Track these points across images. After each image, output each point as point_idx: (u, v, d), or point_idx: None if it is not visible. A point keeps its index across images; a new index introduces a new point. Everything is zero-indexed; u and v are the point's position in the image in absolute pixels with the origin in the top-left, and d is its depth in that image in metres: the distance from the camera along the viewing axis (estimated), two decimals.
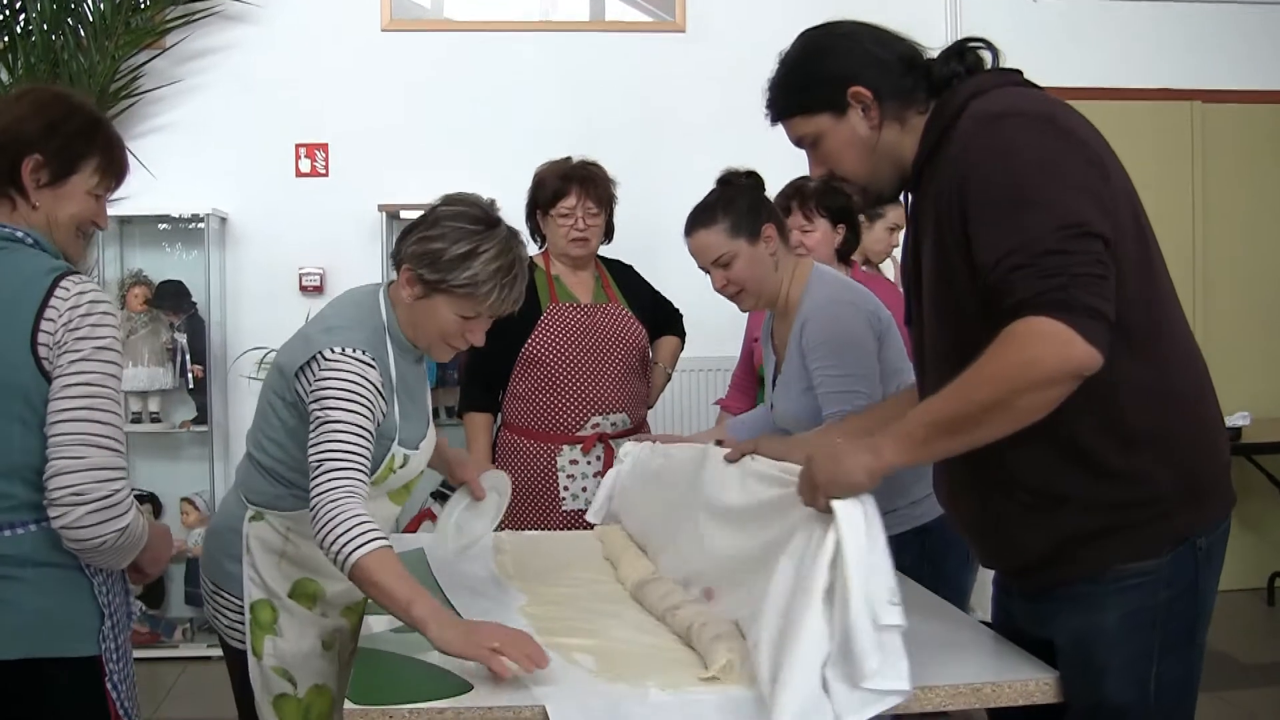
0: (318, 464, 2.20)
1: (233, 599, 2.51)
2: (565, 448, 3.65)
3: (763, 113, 2.18)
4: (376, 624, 2.34)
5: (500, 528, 3.65)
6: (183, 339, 5.38)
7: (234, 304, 5.60)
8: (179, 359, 5.36)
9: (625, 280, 3.93)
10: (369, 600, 2.44)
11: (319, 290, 5.53)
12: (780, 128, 2.18)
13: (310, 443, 2.24)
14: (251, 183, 5.60)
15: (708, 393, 5.39)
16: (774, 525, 2.12)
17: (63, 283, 2.06)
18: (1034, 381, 1.76)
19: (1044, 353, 1.75)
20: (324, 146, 5.63)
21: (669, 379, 4.01)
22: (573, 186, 3.72)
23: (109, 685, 2.11)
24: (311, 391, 2.29)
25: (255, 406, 2.56)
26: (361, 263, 5.50)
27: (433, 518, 4.73)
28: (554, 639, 2.21)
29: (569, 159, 3.82)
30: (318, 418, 2.25)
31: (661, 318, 4.00)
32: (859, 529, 1.83)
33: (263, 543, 2.50)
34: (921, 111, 2.07)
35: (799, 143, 2.17)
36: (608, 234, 3.86)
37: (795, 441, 2.55)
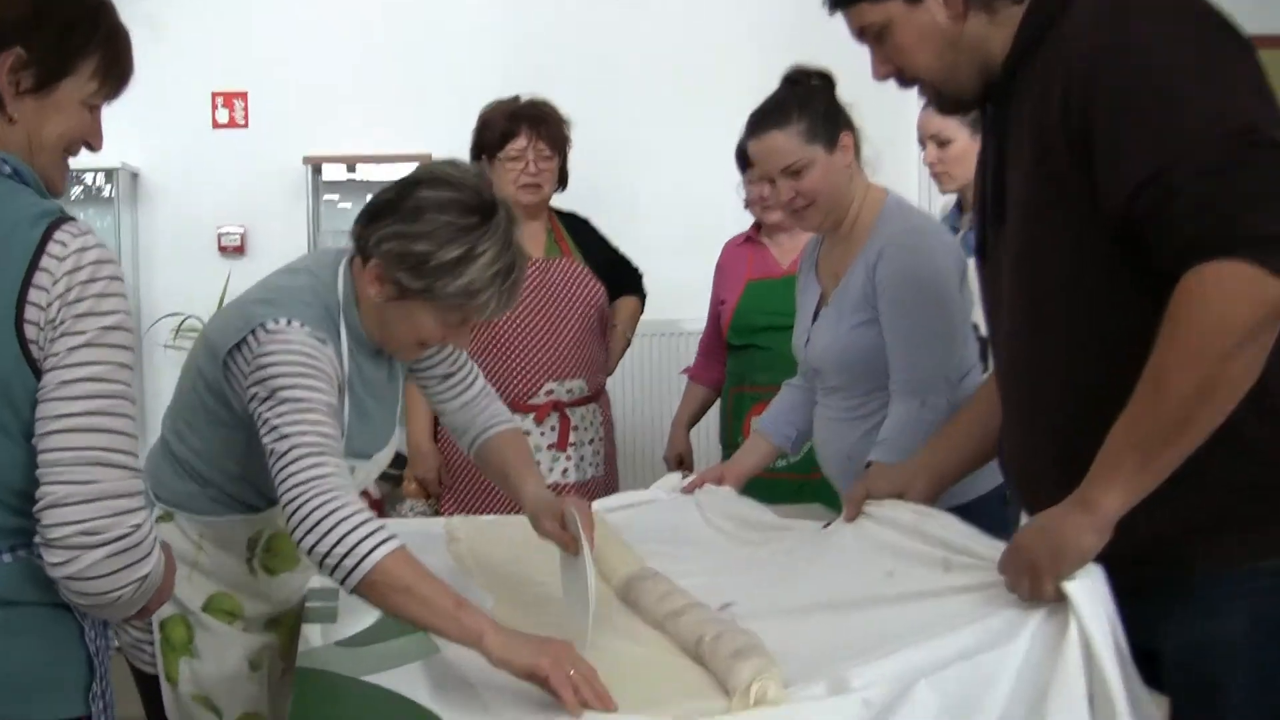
0: (286, 450, 1.80)
1: (139, 621, 2.12)
2: (517, 416, 3.26)
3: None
4: (315, 635, 1.97)
5: (449, 512, 3.35)
6: None
7: (147, 267, 5.22)
8: None
9: (580, 234, 3.60)
10: (301, 610, 2.12)
11: (239, 251, 5.16)
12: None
13: (266, 429, 1.84)
14: (165, 135, 5.19)
15: (671, 360, 5.04)
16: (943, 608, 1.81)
17: (57, 235, 1.50)
18: (1236, 341, 1.45)
19: (1233, 305, 1.44)
20: (243, 95, 5.24)
21: (628, 344, 3.69)
22: (522, 127, 3.37)
23: None
24: (253, 373, 1.90)
25: (175, 382, 2.18)
26: (285, 220, 5.15)
27: (365, 495, 4.33)
28: None
29: (517, 98, 3.46)
30: (275, 397, 1.86)
31: (620, 277, 3.67)
32: (1104, 615, 1.58)
33: (170, 549, 2.10)
34: (1018, 0, 1.72)
35: (860, 35, 1.82)
36: (561, 181, 3.51)
37: (911, 471, 2.21)
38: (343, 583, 1.73)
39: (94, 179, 5.17)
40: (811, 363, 2.72)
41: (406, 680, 1.76)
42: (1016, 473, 1.93)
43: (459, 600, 1.73)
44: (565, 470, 3.32)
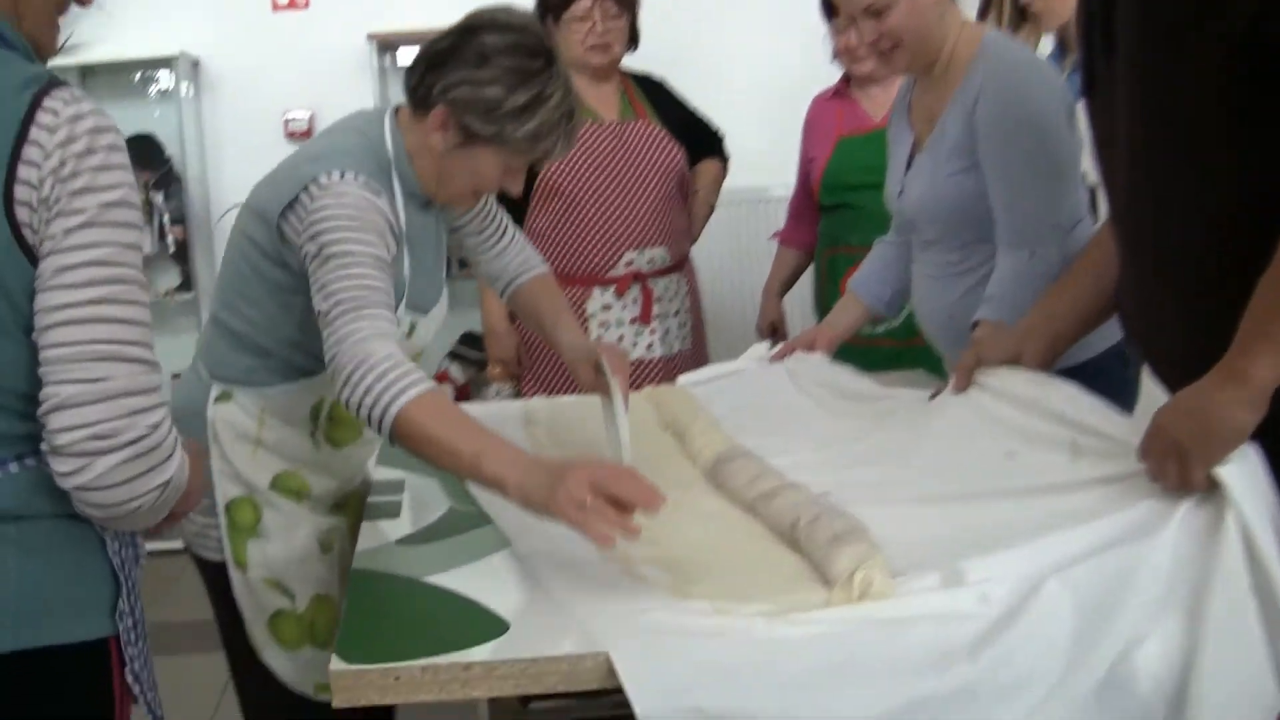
0: (332, 306, 1.74)
1: (205, 504, 2.01)
2: (596, 291, 3.13)
3: None
4: (375, 533, 1.81)
5: (530, 394, 3.19)
6: (159, 199, 4.90)
7: (214, 157, 5.05)
8: (156, 221, 4.89)
9: (655, 96, 3.36)
10: (367, 497, 2.01)
11: (307, 136, 4.96)
12: None
13: (316, 286, 1.80)
14: (224, 20, 4.99)
15: (759, 227, 4.78)
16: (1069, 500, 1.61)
17: (46, 102, 1.30)
18: None
19: None
20: None
21: (712, 210, 3.46)
22: None
23: (129, 676, 1.43)
24: (307, 229, 1.84)
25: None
26: (353, 102, 4.82)
27: (449, 381, 4.21)
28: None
29: None
30: (323, 254, 1.81)
31: (699, 139, 3.43)
32: (1264, 501, 1.40)
33: (232, 429, 2.04)
34: None
35: None
36: (632, 41, 3.27)
37: (1023, 332, 2.00)
38: (379, 433, 1.67)
39: (153, 69, 5.01)
40: (906, 215, 2.51)
41: (472, 580, 1.59)
42: (1138, 328, 1.73)
43: (482, 448, 1.61)
44: (650, 345, 3.13)
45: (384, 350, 1.67)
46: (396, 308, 1.88)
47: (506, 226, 2.33)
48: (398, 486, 2.05)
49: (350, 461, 2.15)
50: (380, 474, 2.16)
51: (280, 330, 1.99)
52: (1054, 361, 1.95)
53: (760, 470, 1.85)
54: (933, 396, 2.09)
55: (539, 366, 3.19)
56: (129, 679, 1.42)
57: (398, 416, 1.62)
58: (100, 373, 1.27)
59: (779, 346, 2.63)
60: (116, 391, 1.28)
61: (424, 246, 2.09)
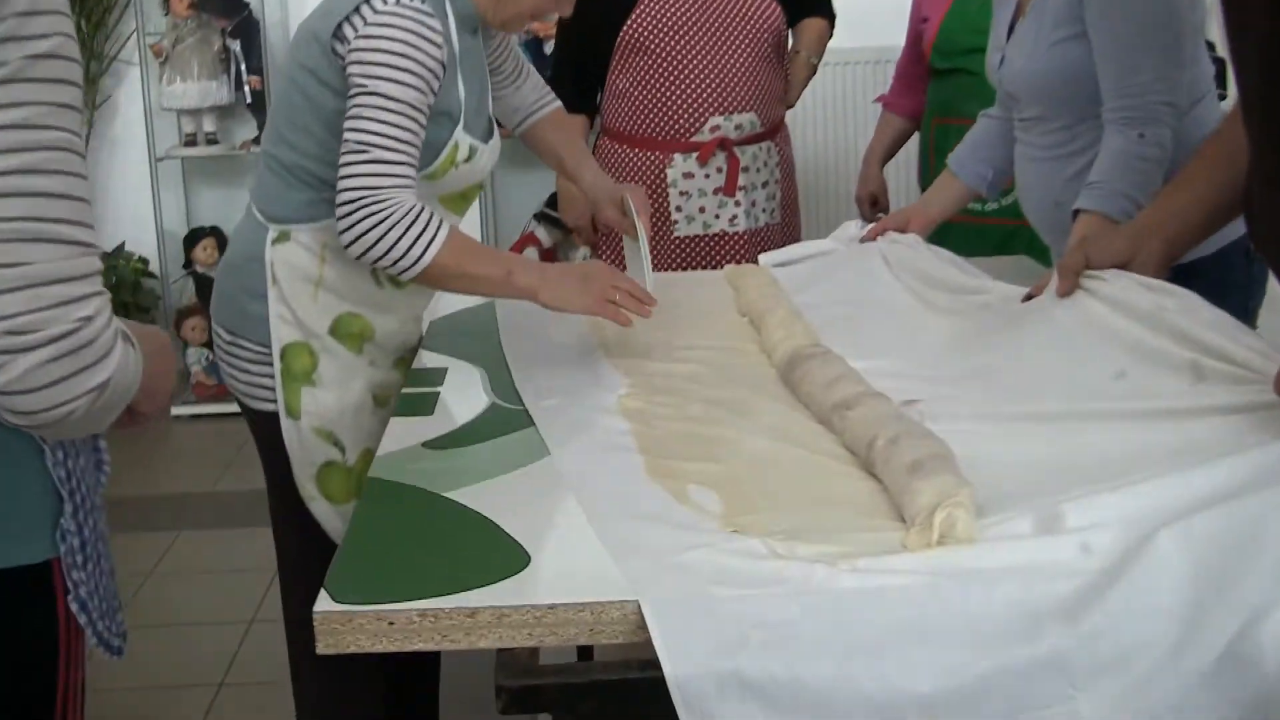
0: (354, 144, 1.80)
1: (256, 348, 2.01)
2: (678, 157, 2.88)
3: None
4: (399, 434, 1.64)
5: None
6: (236, 46, 4.69)
7: (294, 4, 4.75)
8: (233, 70, 4.69)
9: None
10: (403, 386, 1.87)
11: None
12: None
13: (350, 114, 1.82)
14: None
15: (865, 91, 4.48)
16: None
17: None
18: None
19: None
20: None
21: (814, 71, 3.18)
22: None
23: (72, 603, 1.24)
24: (351, 51, 1.83)
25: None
26: None
27: (535, 243, 4.01)
28: (660, 460, 1.48)
29: None
30: (358, 85, 1.82)
31: None
32: None
33: (292, 269, 1.98)
34: None
35: None
36: None
37: (1137, 231, 1.76)
38: (404, 275, 1.81)
39: None
40: (1006, 87, 2.26)
41: (499, 497, 1.41)
42: (1265, 234, 1.47)
43: (510, 267, 1.87)
44: (734, 218, 2.89)
45: (406, 199, 1.78)
46: (454, 130, 1.94)
47: (525, 65, 2.32)
48: (437, 376, 1.88)
49: (414, 302, 2.09)
50: (423, 359, 1.98)
51: (336, 156, 1.87)
52: (1170, 265, 1.72)
53: (839, 373, 1.64)
54: (1028, 297, 1.86)
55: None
56: (73, 606, 1.23)
57: (428, 268, 1.79)
58: (18, 256, 1.05)
59: (869, 227, 2.40)
60: (38, 278, 1.06)
61: (473, 74, 2.01)
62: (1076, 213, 2.00)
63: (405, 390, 1.85)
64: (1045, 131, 2.19)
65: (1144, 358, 1.52)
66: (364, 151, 1.78)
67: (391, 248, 1.77)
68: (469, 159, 1.98)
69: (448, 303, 2.27)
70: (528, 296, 1.85)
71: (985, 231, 2.94)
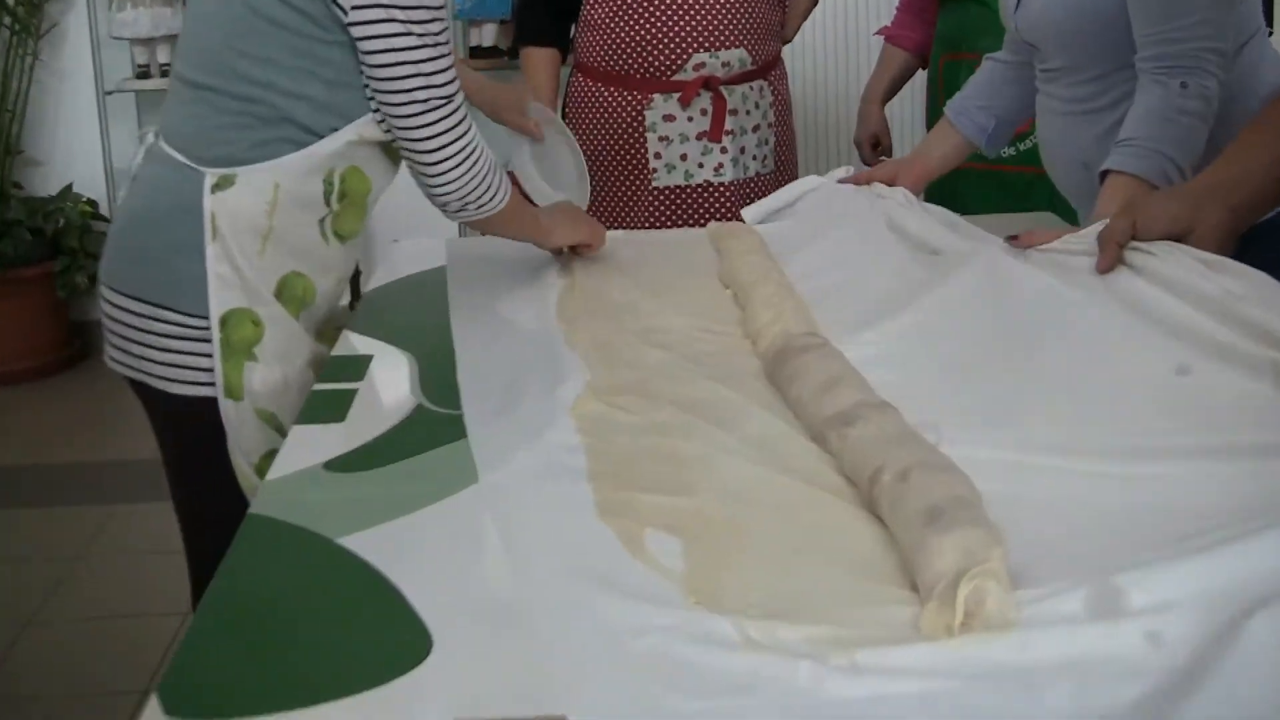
0: (430, 89, 1.68)
1: (183, 319, 1.72)
2: (657, 97, 2.58)
3: None
4: (297, 450, 1.35)
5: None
6: None
7: None
8: None
9: None
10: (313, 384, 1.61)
11: None
12: None
13: (408, 65, 1.66)
14: None
15: (865, 20, 4.15)
16: None
17: None
18: None
19: None
20: None
21: (815, 3, 2.86)
22: None
23: None
24: None
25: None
26: None
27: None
28: (614, 491, 1.19)
29: None
30: (409, 31, 1.65)
31: None
32: None
33: (237, 219, 1.71)
34: None
35: None
36: None
37: (1198, 195, 1.46)
38: (465, 214, 1.80)
39: None
40: (1024, 34, 1.95)
41: (406, 544, 1.12)
42: None
43: (534, 209, 1.96)
44: (720, 167, 2.59)
45: (480, 148, 1.75)
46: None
47: None
48: (358, 367, 1.59)
49: (350, 260, 1.87)
50: (347, 343, 1.69)
51: (305, 88, 1.70)
52: (1236, 238, 1.43)
53: (836, 373, 1.35)
54: (1011, 239, 1.58)
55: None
56: None
57: (493, 217, 1.80)
58: None
59: (850, 172, 2.13)
60: None
61: None
62: (1105, 175, 1.71)
63: (317, 387, 1.55)
64: (1072, 84, 1.91)
65: (1208, 353, 1.23)
66: (448, 101, 1.70)
67: (487, 189, 1.76)
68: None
69: (390, 269, 1.99)
70: (544, 238, 1.94)
71: (1004, 181, 2.66)
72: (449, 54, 1.70)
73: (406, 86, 1.65)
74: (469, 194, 1.74)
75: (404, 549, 1.12)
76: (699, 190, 2.59)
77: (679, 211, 2.59)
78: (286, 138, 1.69)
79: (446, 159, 1.70)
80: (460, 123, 1.71)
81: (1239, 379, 1.20)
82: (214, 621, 1.03)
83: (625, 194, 2.62)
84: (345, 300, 1.95)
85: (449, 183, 1.72)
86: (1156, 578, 0.93)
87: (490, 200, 1.76)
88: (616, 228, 2.62)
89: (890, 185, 2.03)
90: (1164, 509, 1.05)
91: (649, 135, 2.58)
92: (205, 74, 1.72)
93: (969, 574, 0.94)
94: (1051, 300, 1.45)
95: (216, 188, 1.70)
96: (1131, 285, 1.40)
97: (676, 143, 2.57)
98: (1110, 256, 1.45)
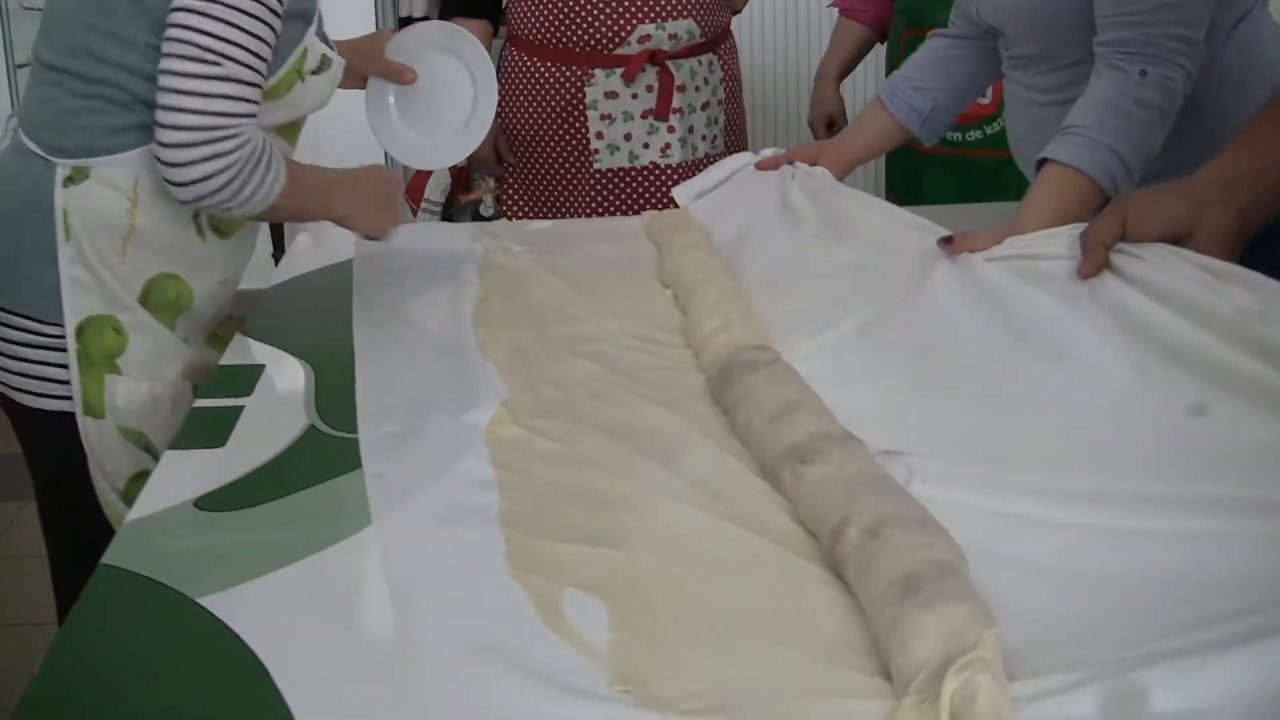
0: (200, 52, 1.40)
1: (36, 326, 1.54)
2: (598, 73, 2.38)
3: None
4: (167, 483, 1.16)
5: (509, 204, 2.53)
6: None
7: None
8: None
9: None
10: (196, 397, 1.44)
11: None
12: None
13: (179, 5, 1.41)
14: None
15: None
16: None
17: None
18: None
19: None
20: None
21: None
22: None
23: None
24: None
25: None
26: None
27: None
28: (530, 539, 1.01)
29: None
30: None
31: None
32: None
33: (94, 216, 1.51)
34: None
35: None
36: None
37: (1198, 193, 1.26)
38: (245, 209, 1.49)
39: None
40: (987, 18, 1.76)
41: (279, 608, 0.93)
42: None
43: (329, 194, 1.64)
44: (667, 147, 2.40)
45: (258, 132, 1.46)
46: (305, 33, 1.58)
47: None
48: (248, 379, 1.39)
49: (237, 257, 1.69)
50: (240, 350, 1.50)
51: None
52: (1243, 244, 1.26)
53: (790, 397, 1.17)
54: (947, 241, 1.40)
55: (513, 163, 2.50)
56: None
57: (271, 204, 1.49)
58: None
59: (766, 153, 1.96)
60: None
61: None
62: (1041, 164, 1.53)
63: (198, 403, 1.36)
64: (1042, 72, 1.72)
65: (1228, 392, 1.05)
66: (217, 65, 1.40)
67: (241, 189, 1.44)
68: (318, 70, 1.60)
69: (295, 261, 1.80)
70: (340, 223, 1.68)
71: (965, 166, 2.48)
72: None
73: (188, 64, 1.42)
74: (217, 198, 1.45)
75: (274, 611, 0.93)
76: (644, 173, 2.40)
77: (622, 196, 2.40)
78: (144, 123, 1.48)
79: (200, 154, 1.42)
80: (229, 126, 1.43)
81: (1265, 418, 1.02)
82: (52, 690, 0.85)
83: (564, 178, 2.43)
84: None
85: (191, 180, 1.43)
86: (1187, 678, 0.75)
87: (239, 208, 1.48)
88: (554, 215, 2.44)
89: (813, 165, 1.85)
90: (1182, 576, 0.88)
91: (590, 114, 2.38)
92: (61, 55, 1.53)
93: (957, 664, 0.77)
94: (1033, 309, 1.27)
95: (69, 181, 1.51)
96: (1123, 295, 1.22)
97: (620, 121, 2.38)
98: (1095, 260, 1.27)
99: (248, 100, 1.43)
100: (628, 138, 2.39)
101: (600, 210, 2.40)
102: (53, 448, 1.55)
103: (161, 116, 1.40)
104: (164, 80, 1.40)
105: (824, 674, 0.84)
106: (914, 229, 1.49)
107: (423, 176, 2.74)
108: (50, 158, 1.51)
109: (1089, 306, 1.23)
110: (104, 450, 1.54)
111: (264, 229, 1.90)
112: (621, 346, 1.43)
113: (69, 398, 1.51)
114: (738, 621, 0.90)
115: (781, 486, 1.06)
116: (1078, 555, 0.93)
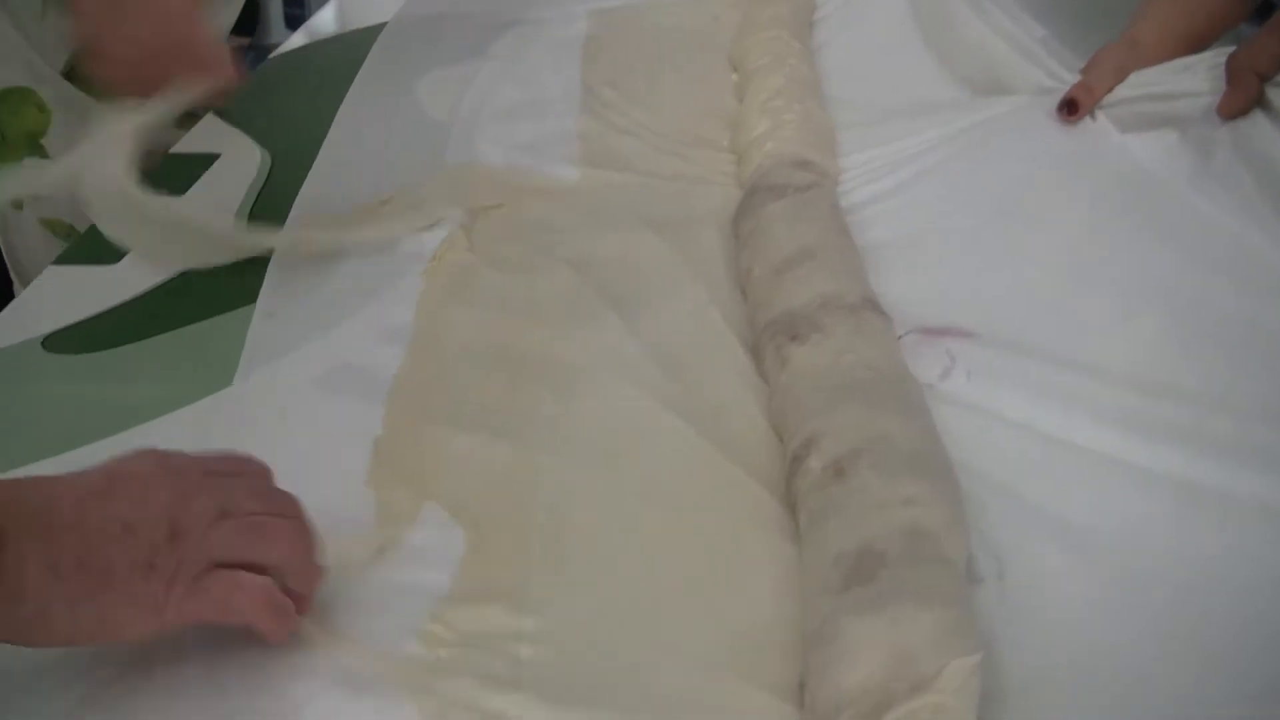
0: None
1: None
2: None
3: None
4: (25, 311, 0.93)
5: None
6: None
7: None
8: None
9: None
10: None
11: None
12: None
13: None
14: None
15: None
16: None
17: None
18: None
19: None
20: None
21: None
22: None
23: None
24: None
25: None
26: None
27: None
28: (415, 423, 0.75)
29: None
30: None
31: None
32: None
33: None
34: None
35: None
36: None
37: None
38: None
39: None
40: None
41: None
42: None
43: None
44: None
45: None
46: None
47: None
48: (186, 173, 1.13)
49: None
50: (196, 138, 1.22)
51: None
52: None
53: (811, 241, 0.86)
54: (1066, 109, 1.03)
55: None
56: None
57: None
58: None
59: None
60: None
61: None
62: None
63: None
64: None
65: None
66: None
67: None
68: None
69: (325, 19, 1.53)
70: None
71: None
72: None
73: None
74: None
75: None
76: None
77: None
78: None
79: None
80: None
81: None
82: None
83: None
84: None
85: None
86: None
87: None
88: None
89: None
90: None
91: None
92: None
93: (895, 711, 0.50)
94: (1148, 164, 0.92)
95: None
96: (1275, 147, 0.88)
97: None
98: (1246, 92, 0.92)
99: None
100: None
101: None
102: None
103: None
104: None
105: (715, 688, 0.56)
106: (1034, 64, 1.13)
107: None
108: None
109: (1228, 158, 0.89)
110: (23, 250, 1.29)
111: None
112: (650, 146, 1.13)
113: None
114: (631, 582, 0.63)
115: (764, 369, 0.77)
116: (1160, 530, 0.62)
